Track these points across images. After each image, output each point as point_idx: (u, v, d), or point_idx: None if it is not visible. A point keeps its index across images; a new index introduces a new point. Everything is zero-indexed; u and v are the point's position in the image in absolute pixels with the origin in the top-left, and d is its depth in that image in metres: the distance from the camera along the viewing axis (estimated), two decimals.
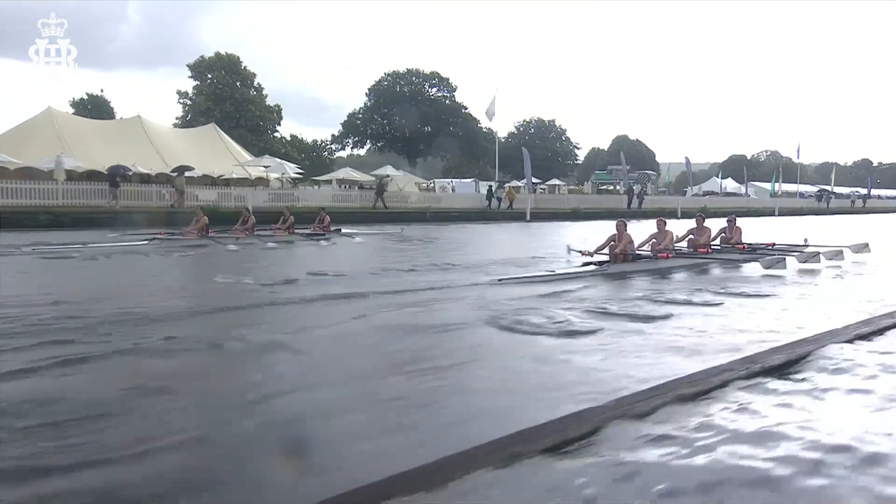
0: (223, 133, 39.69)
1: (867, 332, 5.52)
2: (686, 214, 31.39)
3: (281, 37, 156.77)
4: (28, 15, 27.49)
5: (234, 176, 32.95)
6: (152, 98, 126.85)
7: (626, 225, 10.46)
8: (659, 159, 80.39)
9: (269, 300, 7.40)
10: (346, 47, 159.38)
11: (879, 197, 69.23)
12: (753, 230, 15.93)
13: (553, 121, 71.90)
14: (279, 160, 33.14)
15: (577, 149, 71.60)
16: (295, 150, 69.43)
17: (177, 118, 50.67)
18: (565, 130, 71.94)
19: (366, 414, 3.74)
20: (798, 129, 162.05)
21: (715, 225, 12.58)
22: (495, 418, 3.55)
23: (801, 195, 64.63)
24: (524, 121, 73.01)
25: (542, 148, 68.57)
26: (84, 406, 3.68)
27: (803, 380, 4.22)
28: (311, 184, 41.66)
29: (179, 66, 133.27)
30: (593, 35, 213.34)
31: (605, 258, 10.23)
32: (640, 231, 11.75)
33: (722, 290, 8.15)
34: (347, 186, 37.86)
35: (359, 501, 2.55)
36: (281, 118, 54.55)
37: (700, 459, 2.91)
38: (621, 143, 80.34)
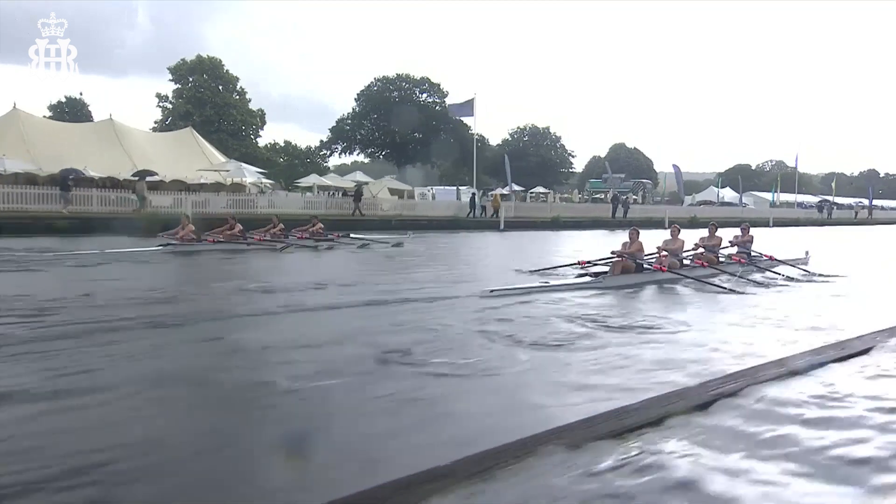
0: (200, 137, 38.80)
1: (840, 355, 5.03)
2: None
3: (290, 41, 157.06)
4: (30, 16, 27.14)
5: (207, 181, 31.93)
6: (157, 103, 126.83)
7: (638, 233, 10.39)
8: (658, 168, 78.80)
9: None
10: (356, 52, 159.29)
11: (882, 208, 67.42)
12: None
13: (548, 128, 70.53)
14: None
15: (573, 156, 70.08)
16: (288, 155, 68.61)
17: (155, 122, 49.64)
18: (560, 138, 70.56)
19: (362, 420, 3.82)
20: (804, 140, 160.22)
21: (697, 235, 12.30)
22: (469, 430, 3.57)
23: (802, 205, 63.11)
24: (518, 128, 71.68)
25: (536, 156, 67.20)
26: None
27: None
28: (290, 189, 40.45)
29: None
30: (595, 43, 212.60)
31: (605, 269, 10.17)
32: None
33: (709, 307, 8.22)
34: (332, 193, 36.83)
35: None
36: (264, 123, 53.32)
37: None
38: (618, 150, 78.95)
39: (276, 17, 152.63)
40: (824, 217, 53.20)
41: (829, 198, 65.23)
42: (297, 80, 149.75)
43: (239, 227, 15.35)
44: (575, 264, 10.78)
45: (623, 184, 61.50)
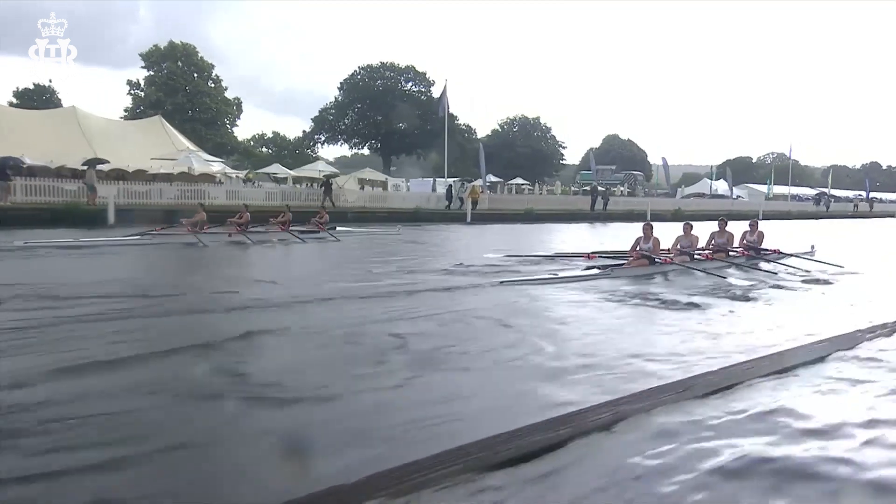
0: (169, 126, 37.41)
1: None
2: (656, 218, 28.56)
3: (293, 36, 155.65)
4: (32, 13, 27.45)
5: (173, 171, 30.58)
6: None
7: (652, 228, 10.14)
8: (652, 160, 77.00)
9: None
10: (356, 50, 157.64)
11: (880, 200, 65.61)
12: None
13: (538, 118, 68.68)
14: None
15: (563, 147, 68.17)
16: (277, 146, 67.07)
17: (125, 110, 48.05)
18: (550, 128, 68.72)
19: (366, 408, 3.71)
20: (807, 133, 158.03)
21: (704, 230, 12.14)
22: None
23: (799, 198, 61.40)
24: (508, 118, 69.84)
25: (525, 146, 65.50)
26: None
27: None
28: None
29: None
30: (594, 35, 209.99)
31: (621, 262, 9.97)
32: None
33: (723, 296, 8.03)
34: (310, 184, 35.45)
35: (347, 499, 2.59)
36: (241, 111, 51.70)
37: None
38: (612, 142, 77.10)
39: (286, 11, 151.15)
40: (822, 210, 51.70)
41: (826, 190, 63.54)
42: (301, 73, 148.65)
43: (247, 216, 15.25)
44: (582, 255, 10.53)
45: (614, 175, 59.88)
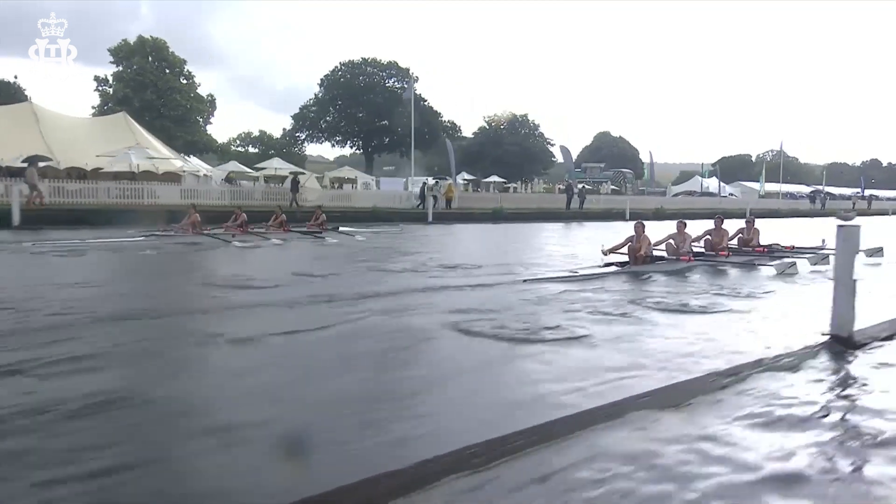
0: (135, 123, 35.94)
1: None
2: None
3: (294, 35, 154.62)
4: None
5: (136, 170, 29.24)
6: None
7: (644, 226, 10.24)
8: (644, 158, 75.39)
9: None
10: (364, 47, 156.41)
11: (877, 198, 63.88)
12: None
13: (525, 115, 66.98)
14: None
15: (551, 144, 66.38)
16: (263, 144, 65.66)
17: (93, 107, 46.55)
18: (538, 126, 67.02)
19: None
20: (807, 130, 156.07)
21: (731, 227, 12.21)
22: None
23: (792, 196, 59.79)
24: (495, 115, 68.14)
25: (513, 144, 63.86)
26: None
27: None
28: (236, 179, 37.50)
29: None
30: (591, 33, 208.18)
31: (625, 259, 10.08)
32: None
33: (742, 294, 8.08)
34: (280, 183, 34.14)
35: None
36: (214, 108, 50.16)
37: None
38: (603, 139, 75.46)
39: (287, 10, 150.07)
40: (817, 208, 50.17)
41: (821, 187, 61.90)
42: (303, 72, 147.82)
43: (244, 216, 15.75)
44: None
45: (603, 173, 58.50)
